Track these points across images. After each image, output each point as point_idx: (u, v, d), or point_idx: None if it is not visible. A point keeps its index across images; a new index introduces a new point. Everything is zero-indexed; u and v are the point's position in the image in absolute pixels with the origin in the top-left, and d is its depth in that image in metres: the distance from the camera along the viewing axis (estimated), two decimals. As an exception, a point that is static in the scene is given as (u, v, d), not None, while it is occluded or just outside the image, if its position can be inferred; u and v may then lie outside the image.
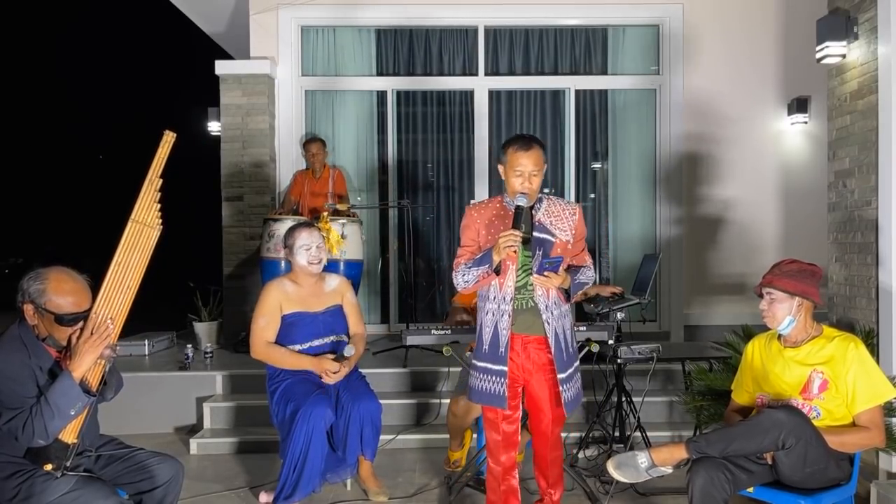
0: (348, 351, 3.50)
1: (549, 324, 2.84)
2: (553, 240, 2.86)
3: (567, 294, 2.91)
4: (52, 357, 2.39)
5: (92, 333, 2.32)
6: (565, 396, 2.88)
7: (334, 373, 3.46)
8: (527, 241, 2.79)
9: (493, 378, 2.87)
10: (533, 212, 2.87)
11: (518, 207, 2.76)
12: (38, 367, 2.34)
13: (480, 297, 2.97)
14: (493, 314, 2.88)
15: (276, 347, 3.50)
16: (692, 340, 6.06)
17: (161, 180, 2.48)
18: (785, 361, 2.79)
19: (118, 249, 2.41)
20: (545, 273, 2.78)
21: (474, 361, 2.95)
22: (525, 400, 2.99)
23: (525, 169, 2.79)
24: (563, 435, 4.31)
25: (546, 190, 6.60)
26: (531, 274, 2.83)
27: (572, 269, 2.92)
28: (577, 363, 2.98)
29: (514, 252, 2.72)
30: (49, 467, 2.28)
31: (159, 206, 2.48)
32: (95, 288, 2.41)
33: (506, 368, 2.84)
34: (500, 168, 2.90)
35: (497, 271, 2.77)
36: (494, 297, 2.88)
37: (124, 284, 2.41)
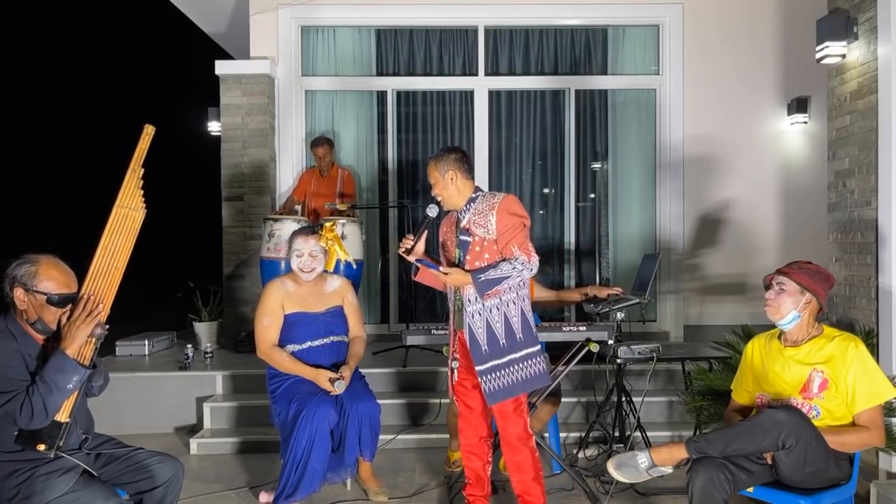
0: (339, 385, 3.41)
1: (465, 321, 3.04)
2: (469, 240, 3.04)
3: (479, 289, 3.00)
4: (39, 344, 2.42)
5: (83, 311, 2.35)
6: (485, 388, 2.99)
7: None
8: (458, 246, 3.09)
9: (450, 372, 3.23)
10: (459, 216, 3.11)
11: (424, 216, 3.11)
12: (27, 354, 2.37)
13: None
14: (450, 314, 3.18)
15: (278, 351, 3.52)
16: (692, 340, 6.05)
17: (143, 169, 2.60)
18: (785, 361, 2.79)
19: (104, 233, 2.50)
20: (441, 269, 3.00)
21: None
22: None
23: (430, 182, 3.15)
24: (563, 435, 4.34)
25: (546, 190, 6.61)
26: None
27: (485, 266, 2.97)
28: (512, 356, 2.98)
29: (405, 253, 3.05)
30: (42, 447, 2.29)
31: (142, 192, 2.58)
32: (84, 274, 2.47)
33: (450, 362, 3.18)
34: None
35: (415, 272, 3.16)
36: (449, 298, 3.18)
37: (112, 265, 2.49)
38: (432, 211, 3.12)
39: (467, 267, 3.01)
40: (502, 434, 3.07)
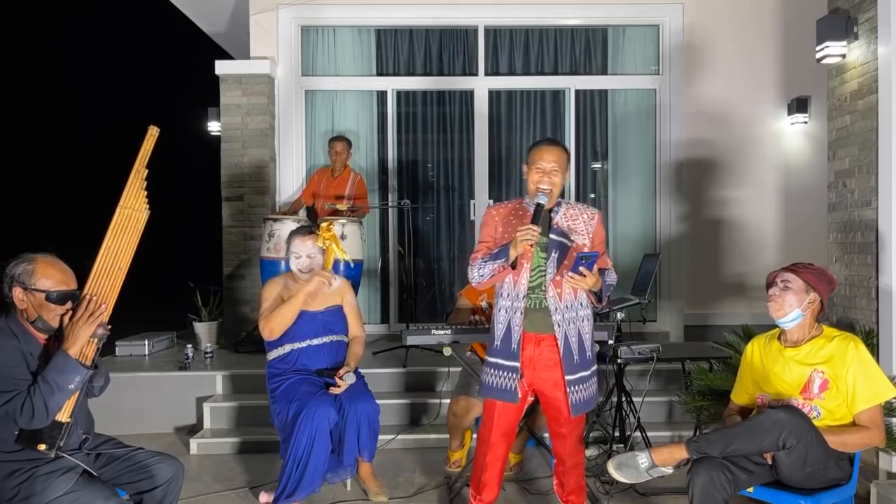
0: (348, 377, 3.45)
1: (559, 325, 2.86)
2: (569, 244, 2.88)
3: (598, 296, 2.92)
4: (41, 343, 2.42)
5: (85, 311, 2.35)
6: (573, 399, 2.88)
7: (330, 388, 3.46)
8: (544, 247, 2.86)
9: (505, 374, 2.90)
10: (552, 215, 2.92)
11: (538, 205, 2.81)
12: (28, 353, 2.37)
13: (495, 295, 3.00)
14: (507, 311, 2.91)
15: (274, 311, 3.50)
16: (692, 340, 6.05)
17: (147, 171, 2.59)
18: (785, 361, 2.79)
19: (107, 234, 2.50)
20: (580, 270, 2.73)
21: (487, 357, 2.98)
22: (541, 401, 3.03)
23: (545, 164, 2.87)
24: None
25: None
26: (545, 275, 2.86)
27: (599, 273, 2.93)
28: (593, 368, 2.97)
29: (531, 246, 2.76)
30: (42, 447, 2.29)
31: (146, 193, 2.58)
32: (87, 273, 2.48)
33: (518, 364, 2.88)
34: (525, 168, 2.96)
35: (513, 266, 2.81)
36: (508, 295, 2.91)
37: (115, 266, 2.49)
38: (543, 199, 2.83)
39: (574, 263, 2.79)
40: (562, 442, 2.98)
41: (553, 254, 2.87)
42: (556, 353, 2.88)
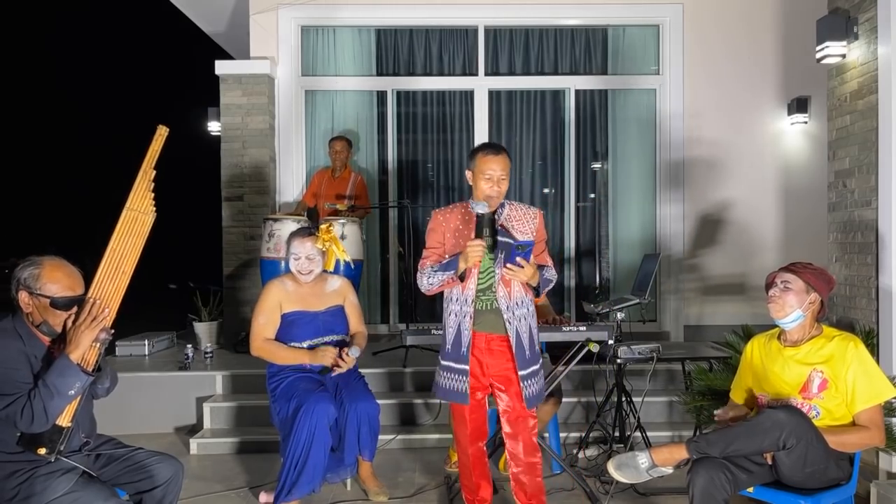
0: (353, 352, 3.50)
1: (510, 323, 2.94)
2: (514, 243, 2.94)
3: (536, 290, 3.00)
4: (45, 346, 2.41)
5: (88, 316, 2.34)
6: (526, 393, 2.96)
7: (333, 367, 3.48)
8: (492, 248, 2.89)
9: (456, 376, 3.01)
10: (496, 216, 2.97)
11: (479, 216, 2.86)
12: (32, 356, 2.36)
13: (444, 300, 3.08)
14: (456, 315, 3.00)
15: (273, 343, 3.54)
16: (692, 340, 6.05)
17: (154, 172, 2.56)
18: (784, 360, 2.79)
19: (113, 236, 2.48)
20: (517, 260, 2.80)
21: (440, 360, 3.08)
22: (494, 398, 3.08)
23: (494, 173, 2.93)
24: (563, 435, 4.34)
25: (546, 190, 6.63)
26: (494, 276, 2.94)
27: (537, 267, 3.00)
28: (540, 362, 3.06)
29: (479, 261, 2.87)
30: (42, 451, 2.29)
31: (153, 195, 2.56)
32: (91, 276, 2.45)
33: (467, 367, 2.97)
34: (469, 174, 3.04)
35: (462, 278, 2.92)
36: (457, 300, 3.00)
37: (119, 269, 2.47)
38: (482, 208, 2.85)
39: (511, 254, 2.88)
40: (514, 443, 3.01)
41: (500, 255, 2.93)
42: (507, 351, 2.96)
